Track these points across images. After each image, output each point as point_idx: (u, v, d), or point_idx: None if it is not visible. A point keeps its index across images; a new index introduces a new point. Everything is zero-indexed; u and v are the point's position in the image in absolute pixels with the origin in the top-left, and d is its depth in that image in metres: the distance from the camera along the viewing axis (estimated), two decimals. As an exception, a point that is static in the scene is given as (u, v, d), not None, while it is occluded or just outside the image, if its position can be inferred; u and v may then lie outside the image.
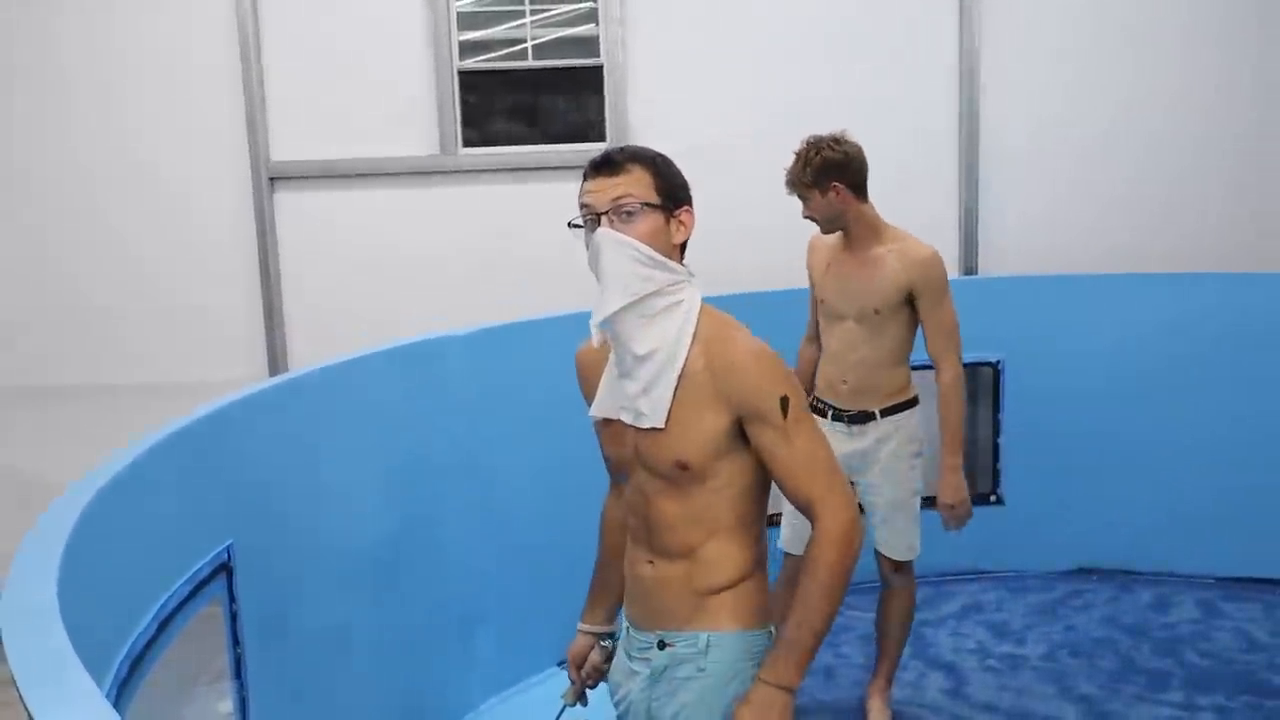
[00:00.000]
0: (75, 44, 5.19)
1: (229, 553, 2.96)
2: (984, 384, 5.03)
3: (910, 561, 3.84)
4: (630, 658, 2.28)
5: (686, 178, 2.17)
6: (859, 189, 3.61)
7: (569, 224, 2.15)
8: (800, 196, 3.65)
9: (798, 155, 3.62)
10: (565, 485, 3.72)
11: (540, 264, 5.18)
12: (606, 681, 2.45)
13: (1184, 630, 4.62)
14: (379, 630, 3.76)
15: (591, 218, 2.08)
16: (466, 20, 5.29)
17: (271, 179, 5.27)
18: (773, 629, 2.23)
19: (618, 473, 2.33)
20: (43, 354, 5.17)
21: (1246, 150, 5.54)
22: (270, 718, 3.15)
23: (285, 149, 5.29)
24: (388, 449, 3.84)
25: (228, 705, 3.05)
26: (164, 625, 2.51)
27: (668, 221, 2.10)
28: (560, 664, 4.41)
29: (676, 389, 2.07)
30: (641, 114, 5.34)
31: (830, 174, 3.55)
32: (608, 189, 2.07)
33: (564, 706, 2.50)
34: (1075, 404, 4.83)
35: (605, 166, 2.10)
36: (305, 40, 5.24)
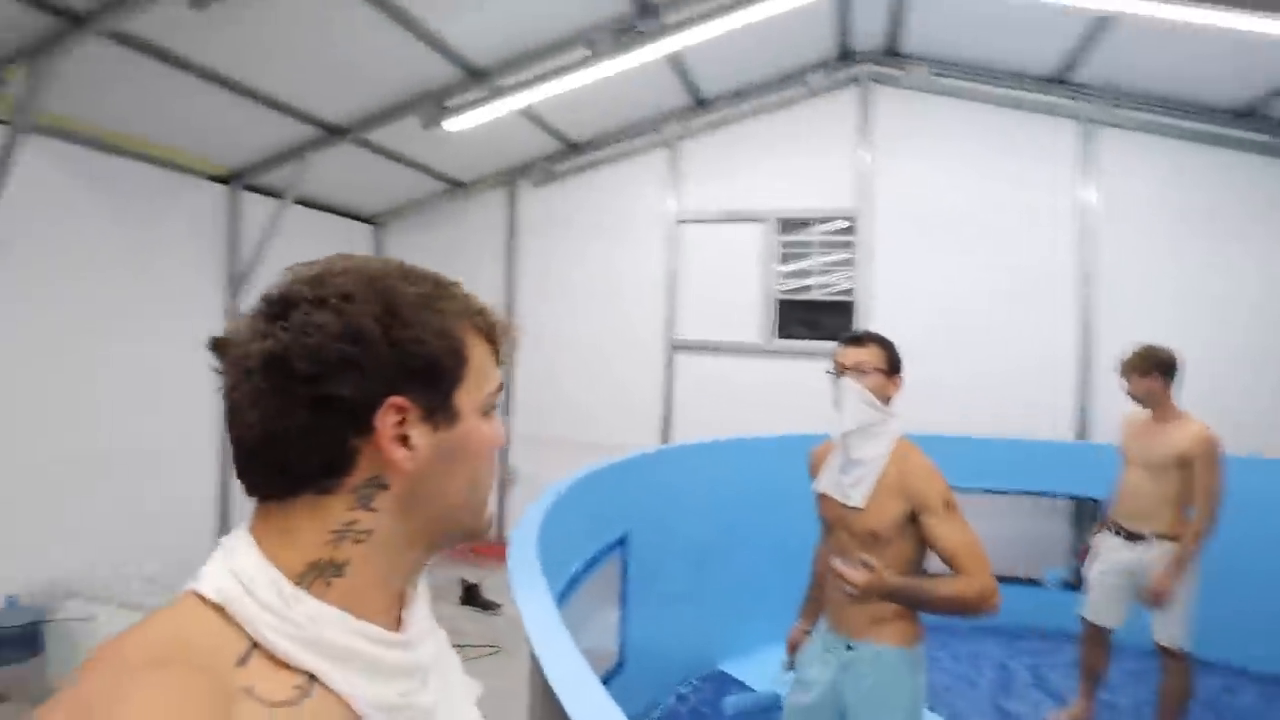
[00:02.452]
0: (578, 264, 5.56)
1: (625, 535, 2.99)
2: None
3: (1181, 651, 2.83)
4: (825, 649, 1.97)
5: (900, 358, 1.97)
6: (1169, 380, 2.92)
7: (826, 371, 2.00)
8: (1128, 378, 2.95)
9: (1138, 353, 2.95)
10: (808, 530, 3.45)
11: (816, 403, 4.98)
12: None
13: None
14: (697, 590, 3.62)
15: (840, 371, 1.93)
16: (783, 274, 5.29)
17: (674, 347, 5.40)
18: (920, 649, 1.91)
19: (827, 529, 2.08)
20: (548, 420, 5.46)
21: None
22: (636, 626, 3.13)
23: (683, 332, 5.40)
24: (711, 491, 3.67)
25: (615, 616, 3.05)
26: (589, 567, 2.57)
27: (886, 381, 1.92)
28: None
29: (875, 485, 1.87)
30: (873, 325, 5.01)
31: (1158, 367, 2.91)
32: (853, 355, 1.93)
33: (785, 666, 2.28)
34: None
35: (854, 340, 1.98)
36: (697, 278, 5.38)
